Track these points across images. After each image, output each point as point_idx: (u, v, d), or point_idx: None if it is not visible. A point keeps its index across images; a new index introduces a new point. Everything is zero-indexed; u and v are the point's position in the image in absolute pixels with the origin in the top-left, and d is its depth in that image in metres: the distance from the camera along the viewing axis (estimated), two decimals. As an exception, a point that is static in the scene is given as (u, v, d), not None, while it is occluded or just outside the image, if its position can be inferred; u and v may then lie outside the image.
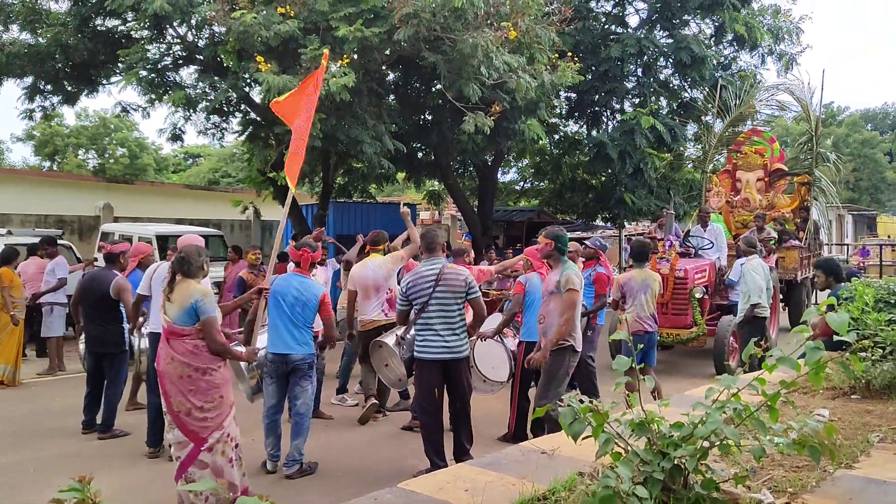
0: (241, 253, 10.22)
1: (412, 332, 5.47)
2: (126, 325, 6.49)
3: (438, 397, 5.25)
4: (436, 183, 19.36)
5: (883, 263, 20.56)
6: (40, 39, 11.80)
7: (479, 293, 5.35)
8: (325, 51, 6.95)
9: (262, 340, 5.48)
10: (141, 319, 6.27)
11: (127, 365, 6.61)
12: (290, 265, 6.82)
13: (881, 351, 4.55)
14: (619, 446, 2.30)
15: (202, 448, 4.26)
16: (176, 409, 4.27)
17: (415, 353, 5.28)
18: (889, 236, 33.34)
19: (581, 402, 2.35)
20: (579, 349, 5.50)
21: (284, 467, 5.36)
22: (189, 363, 4.26)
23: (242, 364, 5.30)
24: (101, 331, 6.36)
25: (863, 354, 4.47)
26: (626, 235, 22.24)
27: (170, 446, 4.43)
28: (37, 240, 11.80)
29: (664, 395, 6.59)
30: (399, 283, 5.94)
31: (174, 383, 4.27)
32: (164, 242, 12.16)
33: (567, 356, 5.44)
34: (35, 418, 7.03)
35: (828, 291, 6.09)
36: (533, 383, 6.38)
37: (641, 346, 6.46)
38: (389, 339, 5.97)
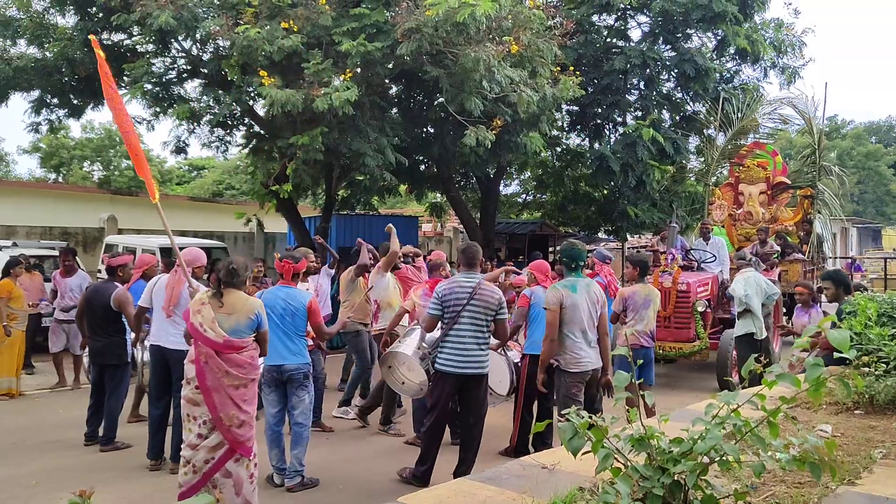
0: None
1: (429, 338, 5.52)
2: (129, 338, 6.51)
3: (448, 410, 5.34)
4: (438, 195, 19.40)
5: (888, 277, 20.44)
6: (47, 53, 11.93)
7: (507, 314, 5.39)
8: (92, 37, 6.10)
9: None
10: (144, 331, 6.28)
11: (129, 377, 6.61)
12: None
13: (885, 366, 4.52)
14: (619, 462, 2.29)
15: (235, 456, 4.32)
16: (227, 423, 4.30)
17: (437, 365, 5.28)
18: (894, 249, 33.22)
19: (581, 417, 2.35)
20: (571, 369, 5.38)
21: (286, 479, 5.37)
22: (246, 375, 4.38)
23: None
24: (103, 343, 6.37)
25: (866, 370, 4.44)
26: (628, 248, 22.23)
27: (186, 460, 4.39)
28: (42, 252, 11.81)
29: (666, 410, 6.55)
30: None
31: (230, 397, 4.31)
32: (168, 254, 12.17)
33: (559, 378, 5.44)
34: (36, 430, 7.02)
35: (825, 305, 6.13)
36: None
37: (640, 361, 6.46)
38: (407, 349, 5.90)
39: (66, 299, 8.95)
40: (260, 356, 4.64)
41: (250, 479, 4.38)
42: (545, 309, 5.41)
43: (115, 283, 6.46)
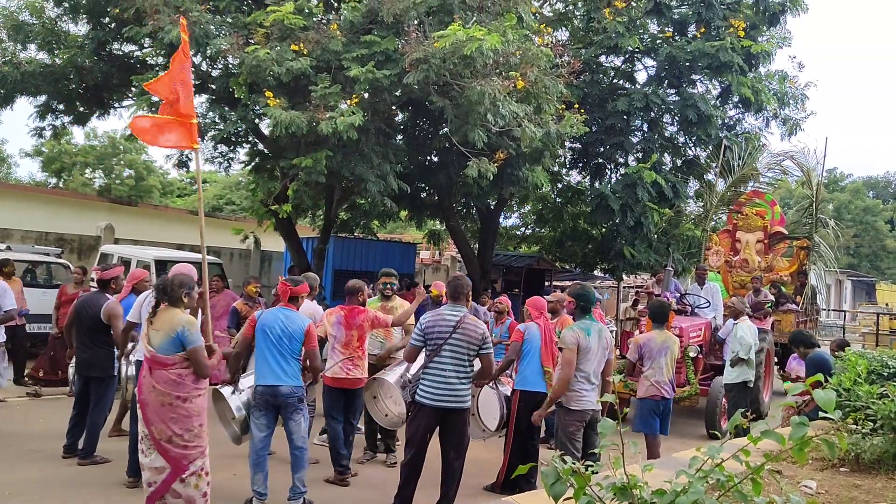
0: (226, 281, 10.23)
1: (412, 371, 5.50)
2: (116, 351, 6.46)
3: (426, 443, 5.26)
4: (437, 223, 19.43)
5: (879, 332, 20.44)
6: (56, 60, 11.99)
7: (492, 349, 5.36)
8: (182, 20, 6.52)
9: (245, 382, 5.55)
10: (130, 346, 6.24)
11: (113, 391, 6.55)
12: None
13: (872, 424, 4.50)
14: (600, 510, 2.27)
15: (179, 476, 4.28)
16: (158, 436, 4.32)
17: (416, 397, 5.25)
18: (887, 304, 33.28)
19: (564, 462, 2.33)
20: (572, 406, 5.44)
21: (289, 500, 5.37)
22: (171, 392, 4.33)
23: (233, 405, 5.33)
24: (89, 354, 6.33)
25: (853, 427, 4.42)
26: (623, 287, 22.23)
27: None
28: (35, 257, 11.75)
29: (652, 455, 6.49)
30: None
31: (156, 412, 4.33)
32: (163, 267, 12.16)
33: (559, 415, 5.52)
34: (15, 440, 6.92)
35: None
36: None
37: (627, 410, 6.49)
38: (391, 377, 5.88)
39: None
40: (201, 377, 4.47)
41: (203, 498, 4.35)
42: (561, 349, 5.48)
43: (107, 295, 6.43)
